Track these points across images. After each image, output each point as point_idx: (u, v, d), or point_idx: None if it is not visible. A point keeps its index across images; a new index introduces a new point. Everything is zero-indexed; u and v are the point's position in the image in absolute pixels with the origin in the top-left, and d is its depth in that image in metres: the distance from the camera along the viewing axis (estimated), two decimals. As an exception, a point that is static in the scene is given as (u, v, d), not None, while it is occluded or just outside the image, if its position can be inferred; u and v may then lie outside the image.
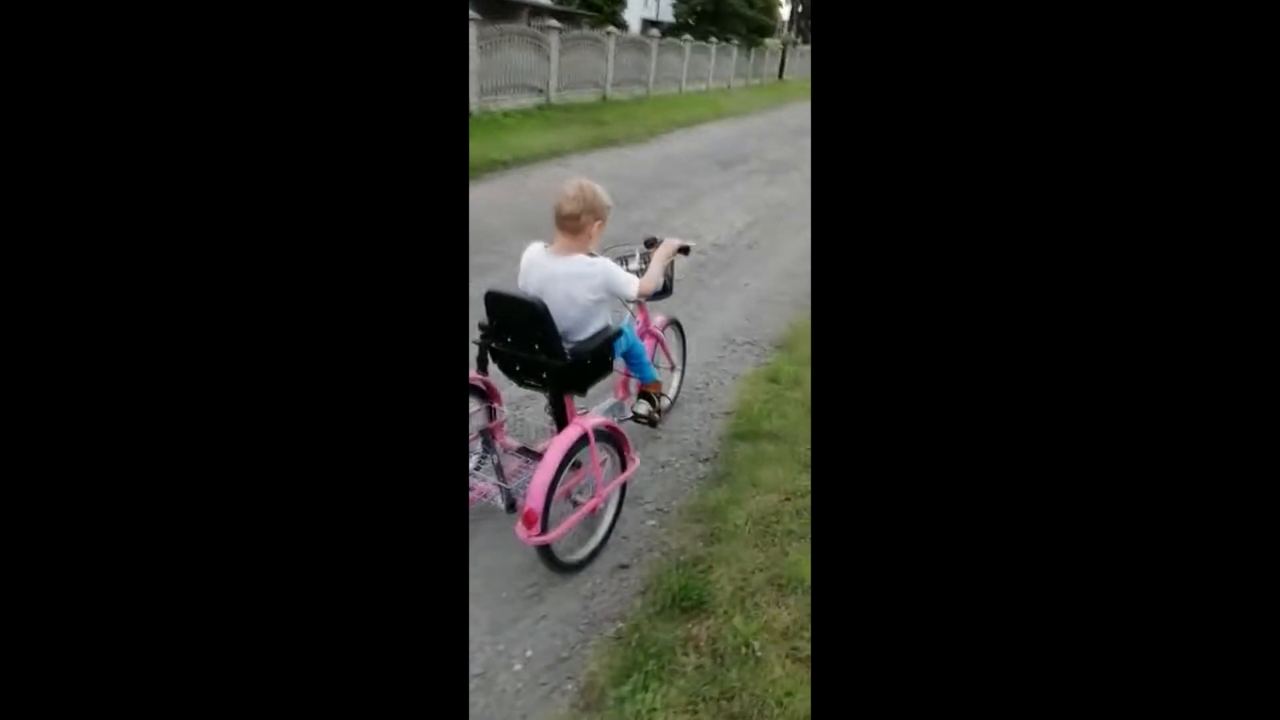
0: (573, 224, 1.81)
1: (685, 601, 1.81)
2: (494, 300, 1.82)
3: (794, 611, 1.79)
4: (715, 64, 17.10)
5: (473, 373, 1.99)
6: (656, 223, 5.49)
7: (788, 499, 2.27)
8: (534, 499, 1.65)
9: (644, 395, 2.35)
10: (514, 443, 2.17)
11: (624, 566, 2.00)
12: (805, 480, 2.36)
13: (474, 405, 2.09)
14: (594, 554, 1.98)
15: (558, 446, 1.72)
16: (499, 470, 1.97)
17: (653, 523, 2.20)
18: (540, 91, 10.37)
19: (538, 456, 1.99)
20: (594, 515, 1.95)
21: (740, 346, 3.56)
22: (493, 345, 1.93)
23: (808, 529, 2.12)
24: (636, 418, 2.37)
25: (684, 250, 2.27)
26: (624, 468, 1.99)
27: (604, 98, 12.18)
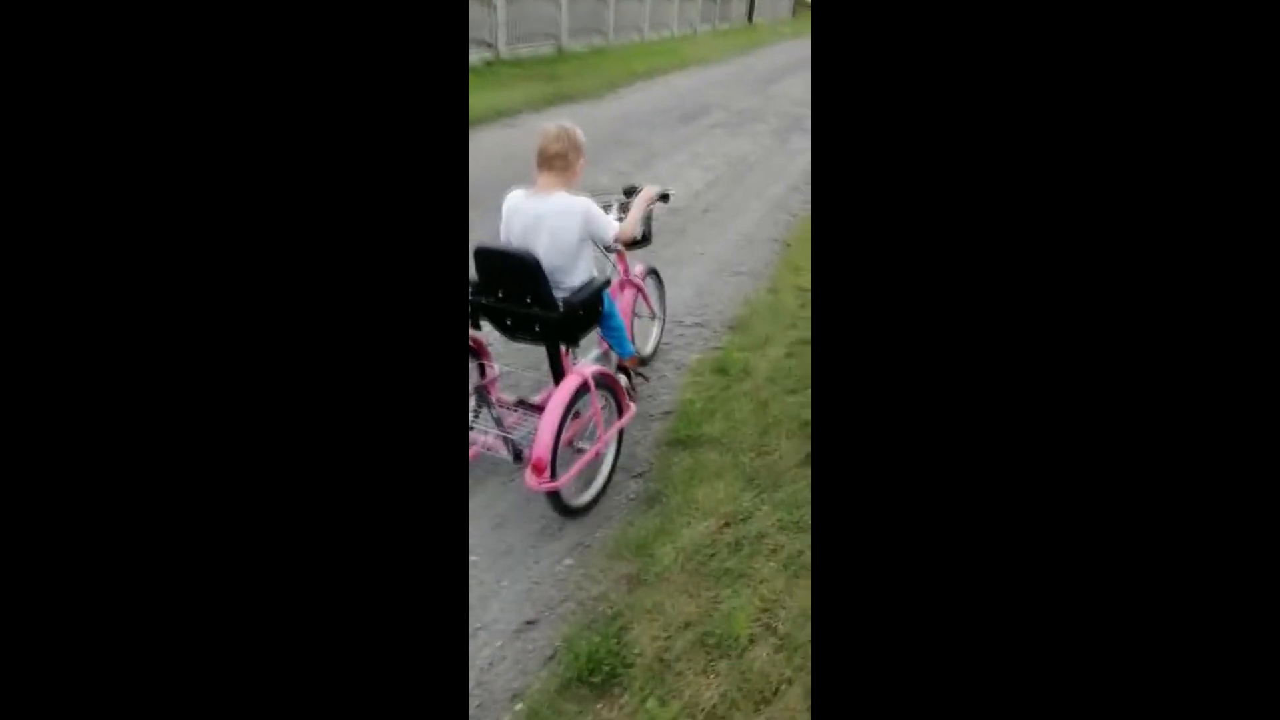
0: (560, 162, 1.84)
1: (595, 675, 1.51)
2: (484, 255, 1.82)
3: (723, 682, 1.50)
4: (679, 9, 16.23)
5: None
6: (610, 188, 5.09)
7: (726, 525, 1.97)
8: (542, 447, 1.71)
9: (622, 370, 2.34)
10: (509, 397, 2.15)
11: (530, 623, 1.70)
12: (747, 500, 2.06)
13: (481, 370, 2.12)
14: (596, 499, 2.04)
15: (561, 396, 1.77)
16: (499, 424, 1.97)
17: (570, 561, 1.89)
18: (489, 45, 9.69)
19: (535, 409, 2.02)
20: (594, 461, 2.01)
21: (689, 329, 3.21)
22: (483, 301, 1.91)
23: (745, 565, 1.82)
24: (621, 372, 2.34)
25: (664, 197, 2.25)
26: (620, 413, 2.05)
27: (559, 50, 11.48)
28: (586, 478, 2.06)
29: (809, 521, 1.95)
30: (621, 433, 2.13)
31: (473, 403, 2.02)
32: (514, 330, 1.96)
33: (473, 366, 2.11)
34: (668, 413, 2.53)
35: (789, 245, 4.36)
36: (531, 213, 1.86)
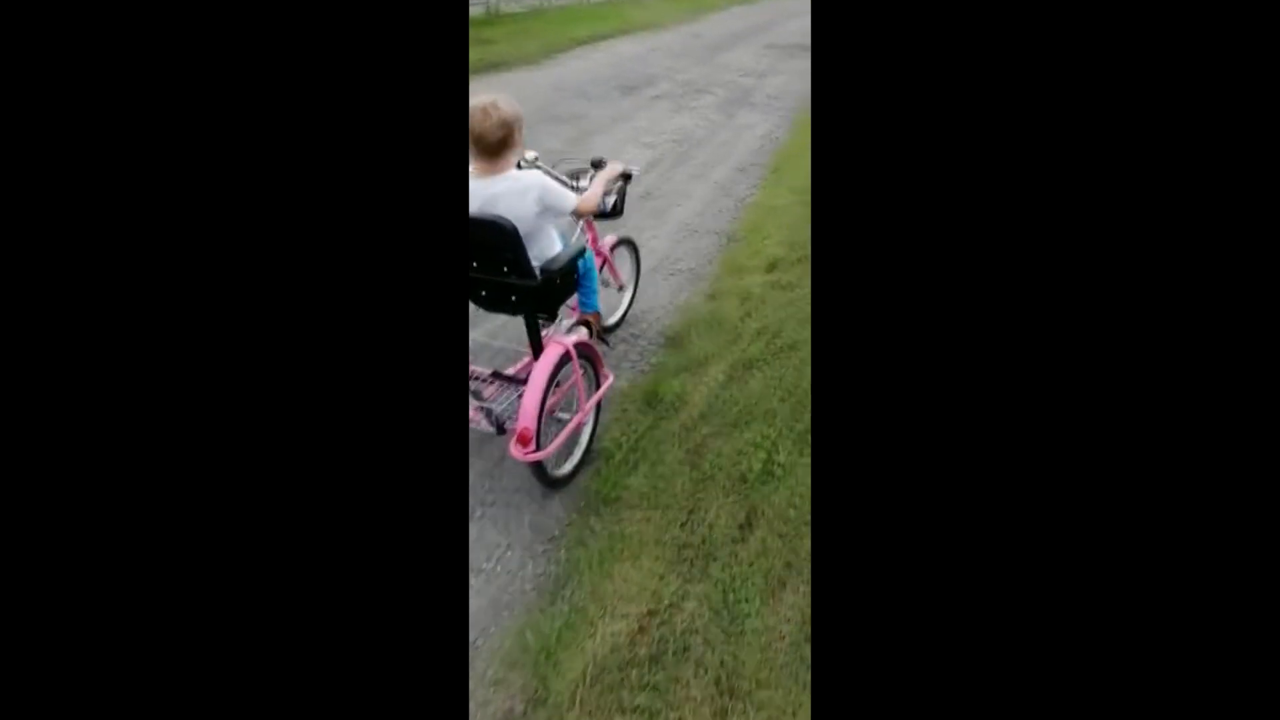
0: (498, 146, 1.76)
1: None
2: None
3: None
4: (625, -32, 15.50)
5: None
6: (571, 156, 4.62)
7: (646, 619, 1.60)
8: (527, 418, 1.72)
9: (583, 323, 2.29)
10: (483, 370, 2.11)
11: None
12: (673, 585, 1.70)
13: None
14: (577, 469, 2.05)
15: (544, 365, 1.78)
16: (478, 396, 1.97)
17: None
18: (415, 5, 8.91)
19: (511, 380, 2.01)
20: (574, 432, 2.01)
21: (619, 344, 2.82)
22: None
23: (665, 688, 1.46)
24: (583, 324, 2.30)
25: (626, 177, 2.27)
26: (598, 384, 2.07)
27: (492, 11, 10.71)
28: (567, 448, 2.04)
29: (746, 611, 1.61)
30: (599, 403, 2.11)
31: None
32: (490, 302, 1.89)
33: None
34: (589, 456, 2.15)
35: (732, 240, 3.98)
36: (484, 194, 1.77)
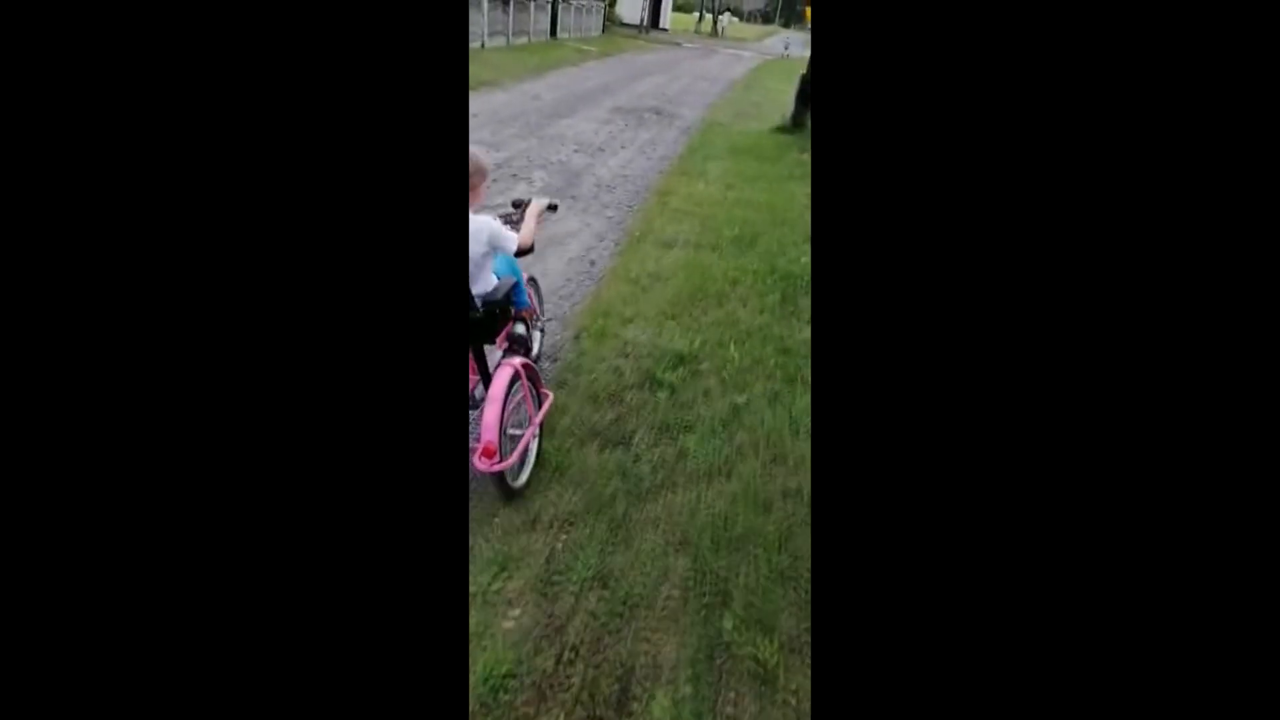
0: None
1: None
2: None
3: None
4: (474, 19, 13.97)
5: None
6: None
7: None
8: (490, 432, 1.88)
9: (520, 319, 2.41)
10: None
11: None
12: None
13: None
14: (529, 481, 2.19)
15: (499, 384, 1.96)
16: None
17: None
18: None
19: None
20: (527, 444, 2.16)
21: None
22: None
23: None
24: (514, 341, 2.36)
25: (552, 208, 2.41)
26: (540, 401, 2.27)
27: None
28: (521, 460, 2.16)
29: None
30: (542, 424, 2.27)
31: None
32: None
33: None
34: None
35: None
36: None
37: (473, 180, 1.90)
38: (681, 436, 2.53)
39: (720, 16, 38.43)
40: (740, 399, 2.79)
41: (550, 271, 3.98)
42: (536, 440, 2.26)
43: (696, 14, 41.62)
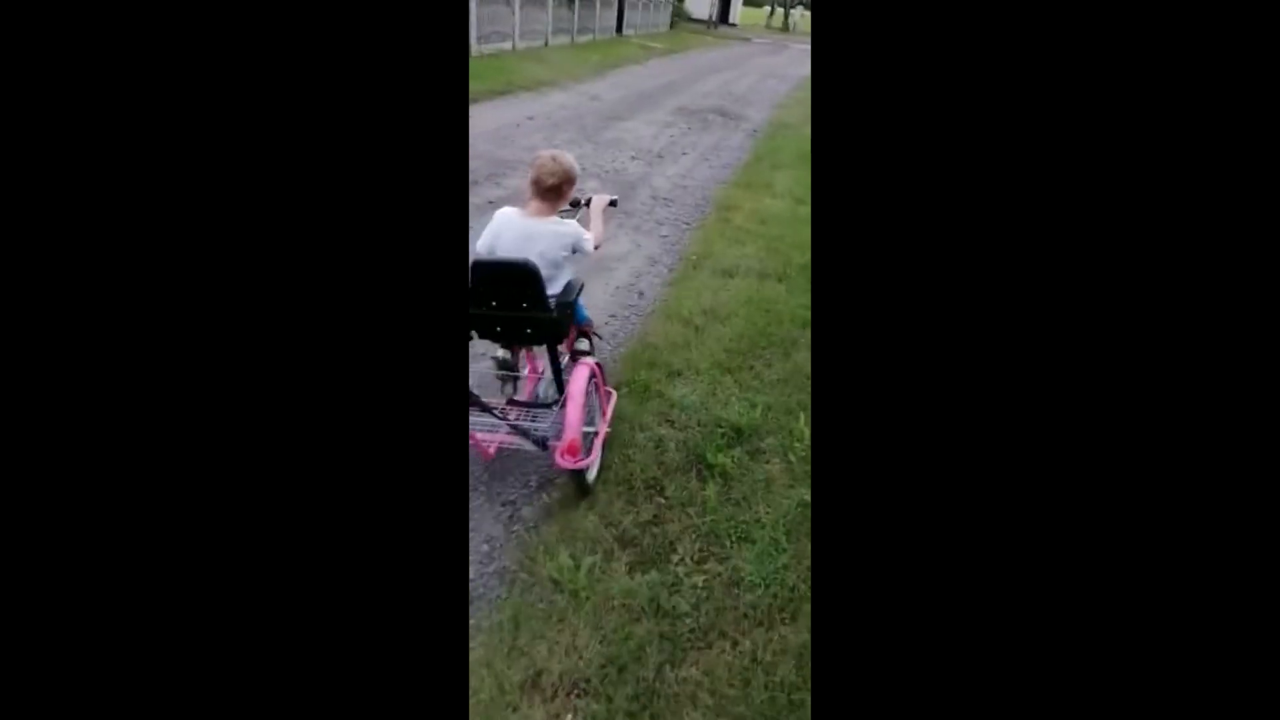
0: (554, 194, 1.99)
1: None
2: (482, 267, 1.89)
3: None
4: (521, 16, 13.65)
5: None
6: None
7: None
8: (573, 431, 1.92)
9: (583, 334, 2.43)
10: (498, 401, 2.19)
11: None
12: None
13: None
14: (599, 475, 2.19)
15: (578, 385, 1.99)
16: (509, 422, 2.06)
17: None
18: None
19: (526, 405, 2.19)
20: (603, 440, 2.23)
21: None
22: (475, 312, 1.96)
23: None
24: (577, 354, 2.35)
25: (613, 204, 2.37)
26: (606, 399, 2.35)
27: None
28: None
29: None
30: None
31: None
32: (505, 336, 2.05)
33: None
34: None
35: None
36: (523, 231, 1.97)
37: (563, 187, 1.98)
38: (735, 551, 1.98)
39: (792, 10, 37.18)
40: (810, 495, 2.22)
41: (594, 304, 3.48)
42: (606, 434, 2.28)
43: (767, 8, 40.47)
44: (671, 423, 2.55)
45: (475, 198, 5.00)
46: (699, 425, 2.53)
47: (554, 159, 1.97)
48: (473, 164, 5.79)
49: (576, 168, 2.01)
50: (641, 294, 3.74)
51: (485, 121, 7.49)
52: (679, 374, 2.88)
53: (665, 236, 4.69)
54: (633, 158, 6.71)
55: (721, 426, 2.51)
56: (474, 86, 8.87)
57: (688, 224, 4.99)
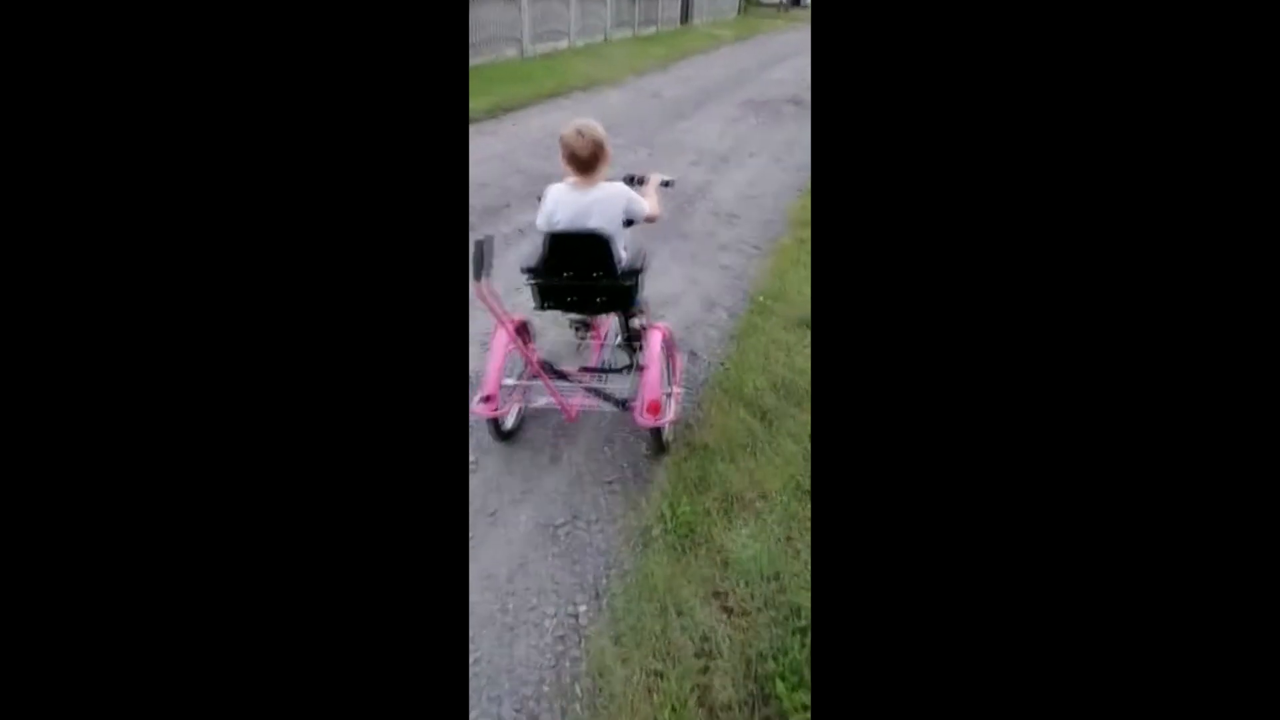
0: (593, 162, 1.95)
1: None
2: (557, 239, 1.94)
3: None
4: (580, 10, 12.89)
5: (519, 316, 2.16)
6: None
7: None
8: (653, 390, 1.99)
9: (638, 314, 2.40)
10: (572, 368, 2.29)
11: None
12: None
13: (526, 344, 2.19)
14: (673, 432, 2.30)
15: (654, 348, 2.07)
16: (586, 387, 2.21)
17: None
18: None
19: (599, 370, 2.32)
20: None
21: None
22: (548, 283, 2.02)
23: None
24: (633, 334, 2.36)
25: (667, 184, 2.41)
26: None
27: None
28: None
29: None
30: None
31: (538, 375, 2.07)
32: (578, 305, 2.10)
33: (526, 349, 2.14)
34: None
35: None
36: (578, 203, 1.97)
37: (599, 154, 1.95)
38: None
39: (871, -14, 34.92)
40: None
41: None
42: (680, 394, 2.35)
43: (844, -15, 38.31)
44: (726, 607, 1.68)
45: (505, 225, 4.26)
46: (768, 610, 1.66)
47: (579, 133, 1.92)
48: (508, 181, 5.08)
49: (603, 131, 1.96)
50: (694, 354, 2.88)
51: (529, 129, 6.78)
52: (740, 501, 2.01)
53: (727, 267, 3.80)
54: (693, 163, 5.83)
55: (802, 620, 1.62)
56: (520, 91, 8.21)
57: (755, 248, 4.08)
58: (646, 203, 2.09)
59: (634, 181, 2.32)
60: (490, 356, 2.04)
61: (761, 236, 4.26)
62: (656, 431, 2.14)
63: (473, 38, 9.57)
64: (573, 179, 1.98)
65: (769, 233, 4.32)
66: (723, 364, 2.80)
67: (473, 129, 6.59)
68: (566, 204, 1.96)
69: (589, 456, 2.25)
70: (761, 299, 3.33)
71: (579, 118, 1.98)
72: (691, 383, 2.66)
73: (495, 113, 7.31)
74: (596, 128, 1.95)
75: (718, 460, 2.17)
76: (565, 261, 1.95)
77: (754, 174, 5.64)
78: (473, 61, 9.50)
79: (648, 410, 1.97)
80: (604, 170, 1.99)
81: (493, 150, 5.95)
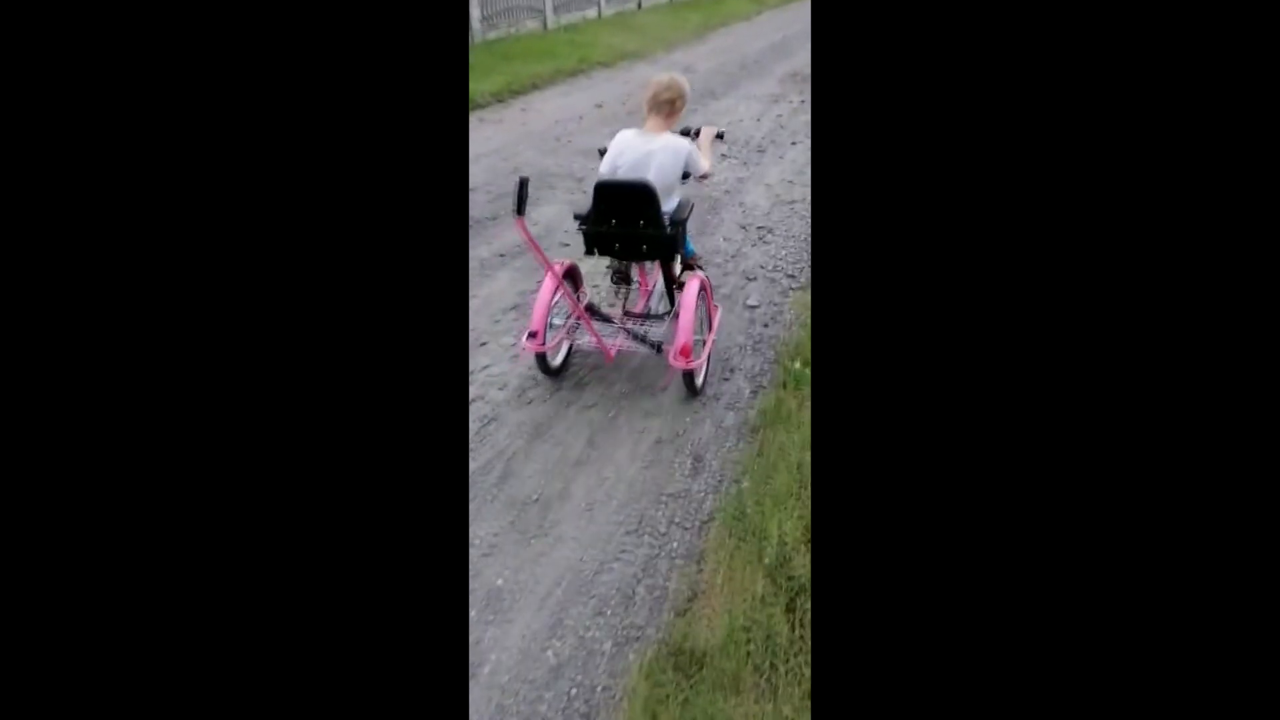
0: (668, 107, 2.17)
1: None
2: (605, 188, 2.09)
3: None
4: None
5: (568, 261, 2.34)
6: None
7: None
8: (686, 334, 2.12)
9: (688, 266, 2.46)
10: (617, 313, 2.44)
11: None
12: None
13: (574, 288, 2.36)
14: (705, 379, 2.40)
15: (690, 294, 2.19)
16: (627, 331, 2.35)
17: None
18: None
19: (640, 316, 2.49)
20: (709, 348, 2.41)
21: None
22: (596, 230, 2.16)
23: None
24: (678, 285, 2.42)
25: (720, 136, 2.52)
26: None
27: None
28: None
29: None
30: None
31: (586, 319, 2.24)
32: (623, 252, 2.25)
33: (582, 290, 2.42)
34: None
35: None
36: (642, 149, 2.15)
37: (677, 102, 2.17)
38: None
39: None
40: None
41: (620, 477, 1.89)
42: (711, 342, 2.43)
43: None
44: None
45: (484, 248, 3.49)
46: None
47: (671, 78, 2.16)
48: (502, 184, 4.28)
49: (688, 86, 2.18)
50: (698, 460, 2.09)
51: (540, 116, 5.97)
52: (772, 687, 1.24)
53: (754, 307, 2.97)
54: (723, 155, 4.94)
55: None
56: (535, 69, 7.37)
57: (791, 278, 3.22)
58: (705, 161, 2.26)
59: (688, 133, 2.43)
60: (538, 297, 2.18)
61: (800, 259, 3.40)
62: (689, 375, 2.27)
63: (490, 9, 8.72)
64: (645, 123, 2.20)
65: (808, 254, 3.45)
66: (736, 481, 2.00)
67: (474, 117, 5.82)
68: (632, 148, 2.17)
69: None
70: (792, 365, 2.50)
71: (664, 73, 2.24)
72: (687, 517, 1.88)
73: (503, 96, 6.50)
74: (684, 82, 2.21)
75: (714, 693, 1.39)
76: (612, 210, 2.12)
77: (794, 168, 4.73)
78: (489, 36, 8.66)
79: (680, 353, 2.12)
80: (674, 122, 2.22)
81: (491, 144, 5.17)
